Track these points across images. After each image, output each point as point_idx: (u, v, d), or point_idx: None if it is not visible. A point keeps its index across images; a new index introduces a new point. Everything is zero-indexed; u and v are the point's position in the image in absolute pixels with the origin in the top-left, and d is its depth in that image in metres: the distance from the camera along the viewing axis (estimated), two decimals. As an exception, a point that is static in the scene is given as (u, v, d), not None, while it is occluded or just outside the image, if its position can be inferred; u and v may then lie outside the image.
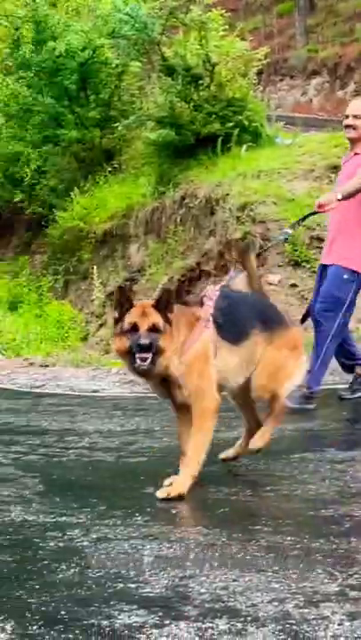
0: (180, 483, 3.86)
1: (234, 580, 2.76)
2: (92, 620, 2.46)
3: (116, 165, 14.68)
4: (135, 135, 14.23)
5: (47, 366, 9.09)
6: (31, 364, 9.33)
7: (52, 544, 3.24)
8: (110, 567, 2.96)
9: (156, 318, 3.86)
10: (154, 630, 2.38)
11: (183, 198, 12.13)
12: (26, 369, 9.04)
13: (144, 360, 3.79)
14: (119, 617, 2.48)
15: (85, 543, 3.24)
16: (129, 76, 14.93)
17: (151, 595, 2.67)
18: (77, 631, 2.39)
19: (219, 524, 3.45)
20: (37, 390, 7.85)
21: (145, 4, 13.17)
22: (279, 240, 6.77)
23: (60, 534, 3.35)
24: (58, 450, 5.09)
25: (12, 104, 14.37)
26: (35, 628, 2.41)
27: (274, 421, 4.30)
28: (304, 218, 6.32)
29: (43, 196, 14.89)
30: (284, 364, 4.26)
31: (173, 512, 3.65)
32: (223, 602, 2.58)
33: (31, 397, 7.43)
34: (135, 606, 2.56)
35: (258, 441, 4.22)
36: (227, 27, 12.95)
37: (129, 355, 3.87)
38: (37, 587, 2.76)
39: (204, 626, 2.40)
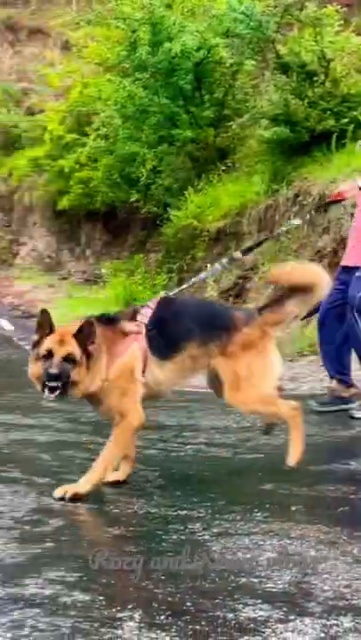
0: (80, 484, 3.82)
1: (357, 579, 2.76)
2: (218, 613, 2.51)
3: (229, 164, 14.71)
4: (249, 133, 14.22)
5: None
6: (146, 360, 9.47)
7: (174, 537, 3.31)
8: (232, 561, 3.01)
9: (73, 348, 3.73)
10: (279, 625, 2.41)
11: (297, 196, 12.04)
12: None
13: (52, 390, 3.69)
14: (244, 610, 2.53)
15: (207, 537, 3.30)
16: (243, 74, 14.94)
17: (274, 590, 2.70)
18: (203, 622, 2.44)
19: (339, 523, 3.45)
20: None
21: (260, 2, 13.14)
22: (292, 225, 6.55)
23: (181, 527, 3.42)
24: (176, 445, 5.18)
25: (129, 105, 14.63)
26: (162, 617, 2.48)
27: (294, 430, 4.13)
28: (321, 206, 6.21)
29: (158, 195, 15.09)
30: (249, 371, 4.07)
31: (293, 509, 3.67)
32: (347, 600, 2.59)
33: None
34: (259, 600, 2.60)
35: (292, 459, 4.08)
36: (342, 22, 12.77)
37: (40, 381, 3.77)
38: (163, 577, 2.83)
39: (328, 623, 2.41)
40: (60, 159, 17.70)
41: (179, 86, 14.29)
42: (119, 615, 2.48)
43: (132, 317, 4.04)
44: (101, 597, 2.62)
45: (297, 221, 6.12)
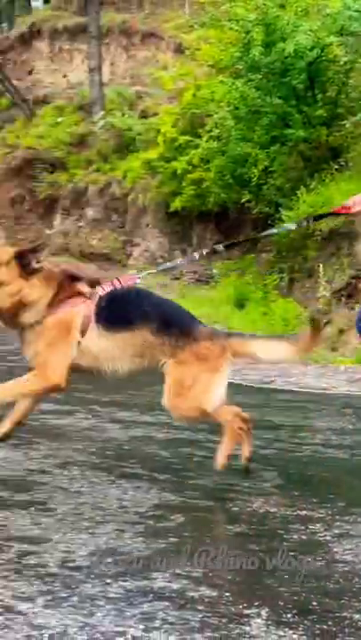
0: None
1: None
2: (345, 614, 2.52)
3: (342, 163, 14.52)
4: (363, 132, 14.03)
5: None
6: (260, 360, 9.50)
7: (295, 536, 3.33)
8: (356, 563, 3.01)
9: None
10: None
11: None
12: (255, 365, 9.22)
13: None
14: (370, 612, 2.53)
15: (328, 538, 3.31)
16: (357, 72, 14.72)
17: None
18: (330, 622, 2.46)
19: None
20: (267, 386, 8.01)
21: (375, -2, 12.94)
22: (286, 229, 6.25)
23: (302, 527, 3.44)
24: (292, 445, 5.19)
25: (242, 106, 14.65)
26: (289, 616, 2.51)
27: (228, 439, 4.14)
28: (319, 217, 5.87)
29: (269, 195, 15.05)
30: (194, 380, 3.98)
31: None
32: None
33: (263, 393, 7.59)
34: (386, 604, 2.59)
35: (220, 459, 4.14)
36: None
37: None
38: (286, 576, 2.86)
39: None
40: (172, 161, 17.89)
41: (291, 86, 14.21)
42: (246, 612, 2.52)
43: (93, 284, 4.06)
44: (228, 593, 2.67)
45: (292, 226, 5.91)
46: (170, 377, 4.02)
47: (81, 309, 3.93)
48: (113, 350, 3.96)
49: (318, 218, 5.90)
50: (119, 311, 4.01)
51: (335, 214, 5.21)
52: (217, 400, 4.04)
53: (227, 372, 4.09)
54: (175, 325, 4.04)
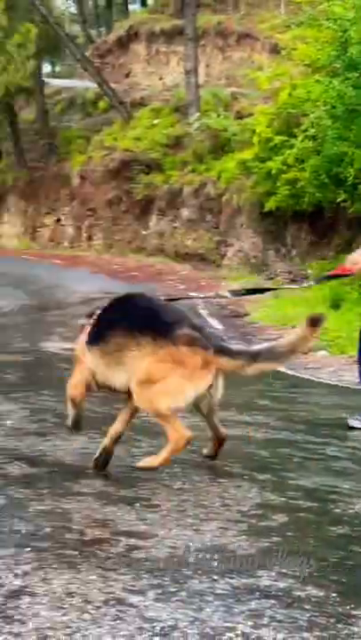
0: None
1: None
2: None
3: None
4: None
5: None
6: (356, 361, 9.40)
7: None
8: None
9: None
10: None
11: None
12: (350, 366, 9.13)
13: None
14: None
15: None
16: None
17: None
18: None
19: None
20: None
21: None
22: (304, 286, 6.06)
23: None
24: (394, 448, 5.14)
25: (338, 105, 14.50)
26: None
27: (168, 447, 4.07)
28: (329, 277, 5.69)
29: (365, 195, 14.88)
30: (162, 377, 3.96)
31: None
32: None
33: (359, 394, 7.50)
34: None
35: (143, 461, 4.17)
36: None
37: None
38: (393, 579, 2.85)
39: None
40: (267, 161, 17.86)
41: (389, 84, 14.00)
42: (354, 612, 2.53)
43: (90, 315, 4.34)
44: (335, 594, 2.68)
45: (306, 284, 5.94)
46: (139, 367, 4.03)
47: (82, 338, 4.35)
48: (98, 361, 4.22)
49: (329, 278, 5.81)
50: (99, 326, 4.24)
51: (343, 276, 5.23)
52: (178, 405, 4.05)
53: (197, 383, 4.02)
54: (152, 324, 4.07)
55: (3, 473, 4.20)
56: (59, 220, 28.28)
